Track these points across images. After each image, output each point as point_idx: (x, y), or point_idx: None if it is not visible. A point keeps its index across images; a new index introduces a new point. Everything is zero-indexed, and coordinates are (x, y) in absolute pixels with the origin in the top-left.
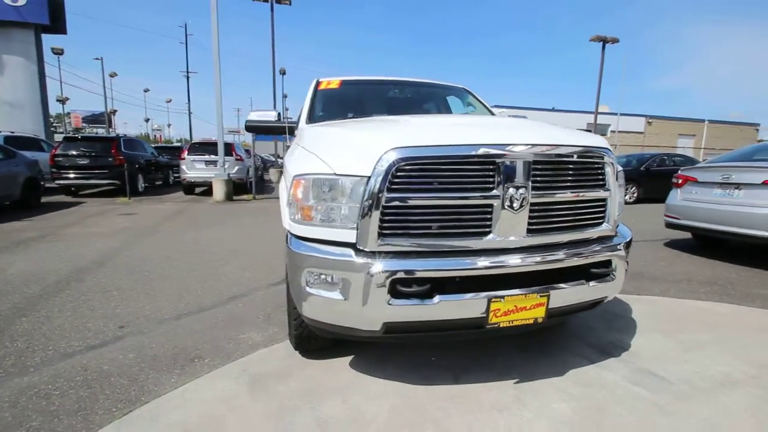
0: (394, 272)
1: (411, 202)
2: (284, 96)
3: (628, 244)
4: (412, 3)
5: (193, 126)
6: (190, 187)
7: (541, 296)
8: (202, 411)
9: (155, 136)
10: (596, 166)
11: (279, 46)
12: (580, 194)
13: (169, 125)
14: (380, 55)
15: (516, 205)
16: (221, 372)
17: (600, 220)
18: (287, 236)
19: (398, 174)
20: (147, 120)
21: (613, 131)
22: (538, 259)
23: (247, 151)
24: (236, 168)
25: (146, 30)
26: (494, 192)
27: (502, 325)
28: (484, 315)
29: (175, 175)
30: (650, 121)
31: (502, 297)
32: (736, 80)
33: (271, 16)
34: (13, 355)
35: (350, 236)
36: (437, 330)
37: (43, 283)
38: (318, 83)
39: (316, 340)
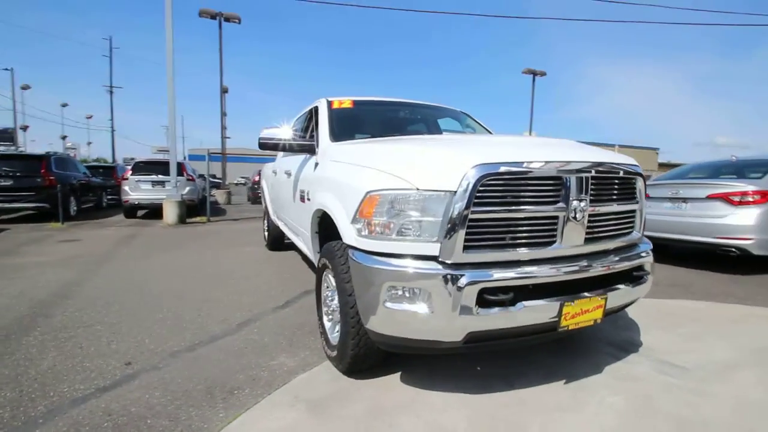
0: (483, 282)
1: (492, 216)
2: (223, 114)
3: (652, 250)
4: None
5: (116, 144)
6: (132, 210)
7: (601, 298)
8: None
9: (70, 155)
10: (632, 181)
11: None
12: (622, 206)
13: (89, 143)
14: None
15: (579, 216)
16: (271, 401)
17: (632, 229)
18: (347, 252)
19: (482, 189)
20: (64, 137)
21: None
22: (599, 265)
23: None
24: (187, 189)
25: (69, 40)
26: (560, 204)
27: (570, 327)
28: (557, 319)
29: (110, 197)
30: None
31: (573, 301)
32: (635, 111)
33: (219, 34)
34: (7, 406)
35: (433, 249)
36: (514, 336)
37: None
38: (330, 102)
39: (370, 359)
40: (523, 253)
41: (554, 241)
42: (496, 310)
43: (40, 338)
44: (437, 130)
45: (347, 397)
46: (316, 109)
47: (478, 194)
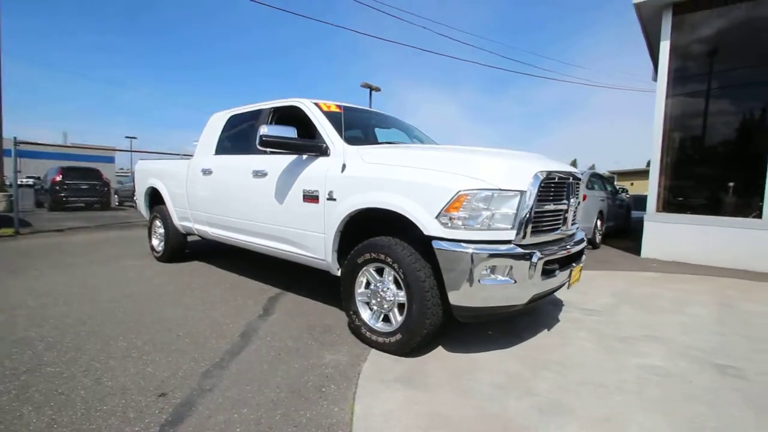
0: (545, 257)
1: (543, 208)
2: None
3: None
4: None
5: None
6: None
7: (579, 266)
8: (410, 420)
9: None
10: (579, 185)
11: None
12: (578, 202)
13: None
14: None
15: (570, 209)
16: (366, 388)
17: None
18: (431, 243)
19: (540, 189)
20: None
21: None
22: (576, 245)
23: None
24: None
25: None
26: (564, 201)
27: (570, 285)
28: (568, 280)
29: None
30: None
31: (573, 268)
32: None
33: None
34: None
35: (509, 235)
36: (547, 295)
37: None
38: (318, 105)
39: (431, 337)
40: (551, 235)
41: (560, 227)
42: (549, 276)
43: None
44: (401, 138)
45: (422, 371)
46: (295, 109)
47: (539, 192)
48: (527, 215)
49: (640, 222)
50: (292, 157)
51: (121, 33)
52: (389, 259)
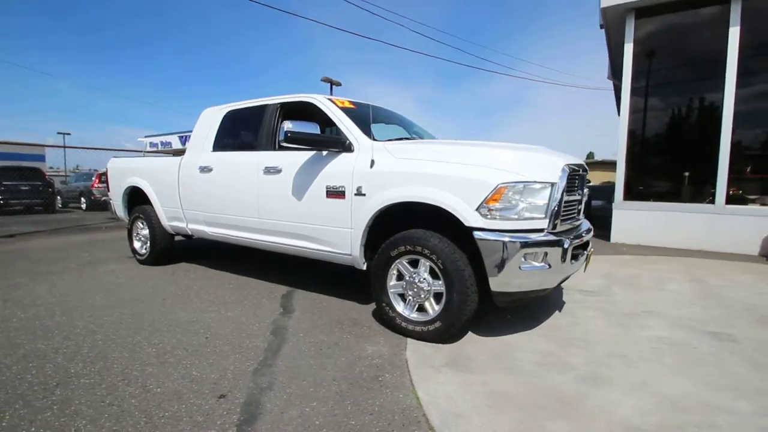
0: (574, 242)
1: (567, 198)
2: None
3: None
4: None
5: None
6: None
7: (590, 252)
8: (470, 397)
9: None
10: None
11: None
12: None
13: None
14: None
15: (582, 199)
16: (420, 374)
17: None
18: (472, 233)
19: (567, 181)
20: None
21: None
22: (591, 232)
23: None
24: None
25: None
26: (579, 191)
27: (585, 268)
28: (585, 263)
29: None
30: None
31: (588, 252)
32: None
33: None
34: None
35: (543, 224)
36: (568, 277)
37: None
38: (332, 101)
39: (469, 323)
40: (569, 224)
41: (576, 216)
42: (573, 260)
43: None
44: (407, 133)
45: (464, 355)
46: (306, 105)
47: (567, 184)
48: (557, 205)
49: (598, 210)
50: (310, 154)
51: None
52: (426, 251)
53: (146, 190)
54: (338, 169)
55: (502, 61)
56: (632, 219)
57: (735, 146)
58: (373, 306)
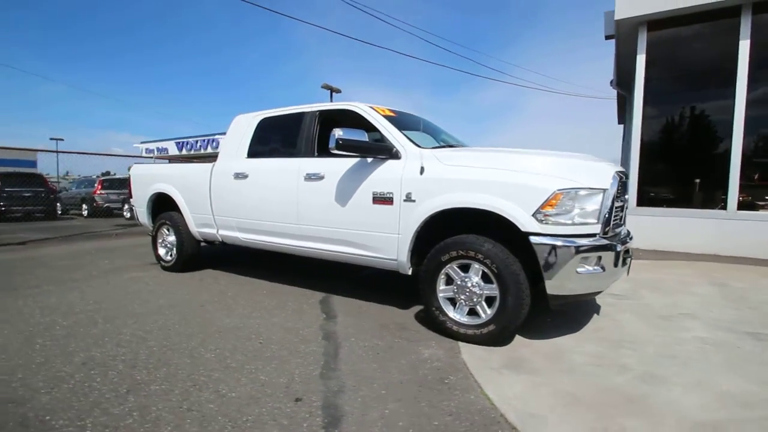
0: (624, 247)
1: (616, 205)
2: None
3: None
4: None
5: None
6: None
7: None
8: (540, 402)
9: None
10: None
11: None
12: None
13: None
14: None
15: (625, 205)
16: (483, 376)
17: None
18: (528, 238)
19: (618, 187)
20: None
21: None
22: (632, 239)
23: None
24: None
25: None
26: (623, 198)
27: (628, 273)
28: (629, 266)
29: None
30: None
31: (630, 257)
32: None
33: None
34: None
35: (595, 228)
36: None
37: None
38: (374, 109)
39: (520, 325)
40: (613, 230)
41: (621, 222)
42: (623, 265)
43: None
44: (435, 140)
45: (519, 358)
46: (348, 113)
47: (617, 190)
48: (608, 211)
49: None
50: (354, 161)
51: None
52: (480, 256)
53: (174, 197)
54: (386, 175)
55: (496, 67)
56: (645, 224)
57: (744, 154)
58: (414, 310)
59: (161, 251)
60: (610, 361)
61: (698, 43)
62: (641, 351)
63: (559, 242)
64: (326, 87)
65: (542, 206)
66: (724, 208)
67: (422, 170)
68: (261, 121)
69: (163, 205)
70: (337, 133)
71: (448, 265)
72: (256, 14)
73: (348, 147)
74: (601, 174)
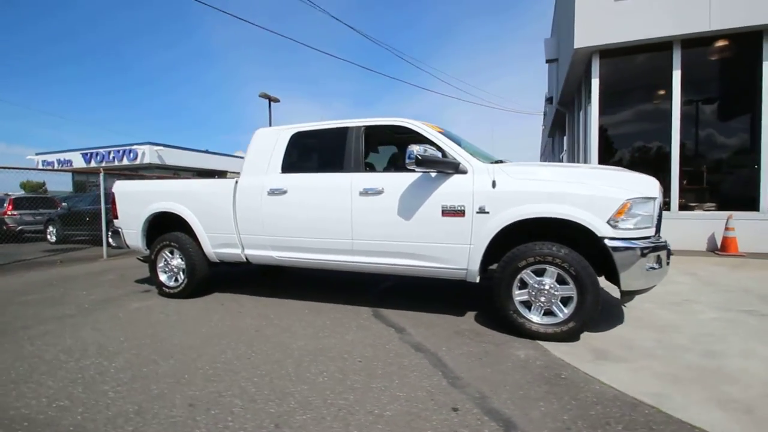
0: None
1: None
2: None
3: None
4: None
5: None
6: None
7: None
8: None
9: None
10: None
11: None
12: None
13: None
14: None
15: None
16: (590, 368)
17: None
18: (604, 243)
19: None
20: None
21: None
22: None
23: None
24: None
25: None
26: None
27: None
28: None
29: None
30: None
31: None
32: None
33: None
34: None
35: (651, 232)
36: None
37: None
38: (427, 125)
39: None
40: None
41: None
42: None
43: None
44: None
45: (598, 348)
46: (397, 129)
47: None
48: (659, 216)
49: None
50: (416, 176)
51: None
52: (558, 260)
53: (185, 216)
54: (455, 189)
55: (423, 78)
56: None
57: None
58: (470, 315)
59: (163, 277)
60: (669, 344)
61: (641, 70)
62: (683, 333)
63: (630, 245)
64: (264, 96)
65: (615, 214)
66: (668, 209)
67: (494, 184)
68: (294, 136)
69: (162, 227)
70: (416, 149)
71: (524, 271)
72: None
73: (426, 163)
74: (651, 184)
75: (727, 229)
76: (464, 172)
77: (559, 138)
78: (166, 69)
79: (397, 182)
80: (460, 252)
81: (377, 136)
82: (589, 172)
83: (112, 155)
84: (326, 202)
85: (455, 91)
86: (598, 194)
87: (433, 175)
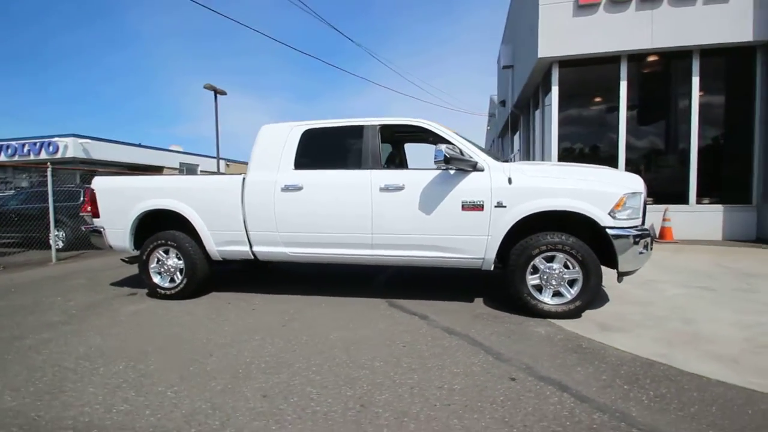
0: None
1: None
2: None
3: None
4: None
5: None
6: None
7: None
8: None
9: None
10: None
11: None
12: None
13: None
14: None
15: None
16: (603, 337)
17: None
18: (606, 231)
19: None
20: None
21: (202, 171)
22: None
23: None
24: None
25: None
26: None
27: None
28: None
29: None
30: (228, 164)
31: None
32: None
33: None
34: None
35: (639, 222)
36: None
37: None
38: (444, 127)
39: None
40: None
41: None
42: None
43: None
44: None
45: (599, 321)
46: (413, 128)
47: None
48: (643, 208)
49: None
50: (435, 173)
51: None
52: (567, 248)
53: (185, 214)
54: (474, 185)
55: (366, 74)
56: None
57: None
58: (478, 302)
59: (156, 278)
60: (652, 316)
61: (594, 78)
62: (660, 306)
63: (625, 233)
64: (210, 88)
65: (614, 206)
66: None
67: (510, 180)
68: (305, 132)
69: (153, 226)
70: (444, 148)
71: (537, 258)
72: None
73: (453, 161)
74: (637, 181)
75: (664, 219)
76: (481, 169)
77: (510, 138)
78: (74, 53)
79: (417, 179)
80: (478, 243)
81: (394, 136)
82: (587, 171)
83: (27, 148)
84: (346, 198)
85: (404, 85)
86: (600, 189)
87: (452, 172)
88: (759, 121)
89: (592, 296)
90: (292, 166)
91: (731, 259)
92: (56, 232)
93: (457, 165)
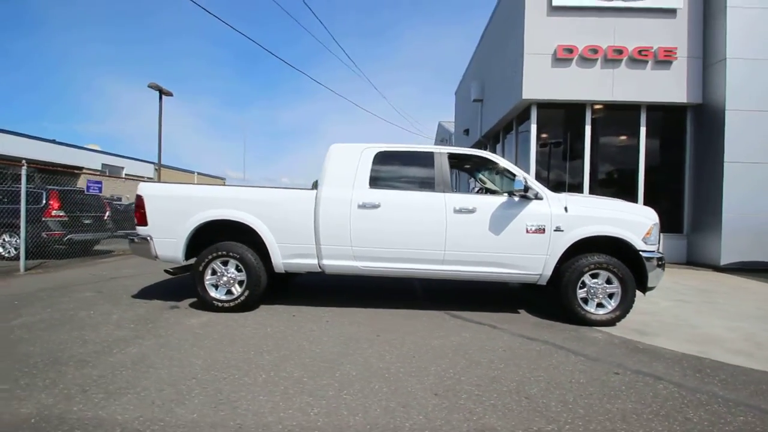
0: None
1: None
2: None
3: None
4: None
5: None
6: None
7: None
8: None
9: None
10: None
11: None
12: None
13: None
14: None
15: None
16: (643, 340)
17: None
18: (640, 254)
19: None
20: None
21: (127, 174)
22: None
23: None
24: None
25: None
26: None
27: None
28: None
29: None
30: (157, 168)
31: None
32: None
33: None
34: None
35: (656, 247)
36: None
37: None
38: (504, 159)
39: None
40: None
41: None
42: None
43: None
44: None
45: (634, 327)
46: (478, 159)
47: None
48: (659, 236)
49: None
50: (502, 198)
51: None
52: (610, 266)
53: (255, 226)
54: (536, 211)
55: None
56: None
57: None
58: (523, 312)
59: (212, 291)
60: (666, 322)
61: (563, 119)
62: (665, 315)
63: (652, 255)
64: (155, 87)
65: (645, 234)
66: None
67: (566, 209)
68: (378, 154)
69: (209, 238)
70: (525, 178)
71: (585, 275)
72: None
73: (528, 190)
74: (655, 213)
75: None
76: (541, 198)
77: None
78: None
79: (486, 203)
80: (538, 261)
81: (458, 164)
82: (615, 203)
83: None
84: (422, 217)
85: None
86: (636, 219)
87: (516, 199)
88: (689, 166)
89: (629, 308)
90: (367, 185)
91: (682, 278)
92: (7, 239)
93: (529, 193)
